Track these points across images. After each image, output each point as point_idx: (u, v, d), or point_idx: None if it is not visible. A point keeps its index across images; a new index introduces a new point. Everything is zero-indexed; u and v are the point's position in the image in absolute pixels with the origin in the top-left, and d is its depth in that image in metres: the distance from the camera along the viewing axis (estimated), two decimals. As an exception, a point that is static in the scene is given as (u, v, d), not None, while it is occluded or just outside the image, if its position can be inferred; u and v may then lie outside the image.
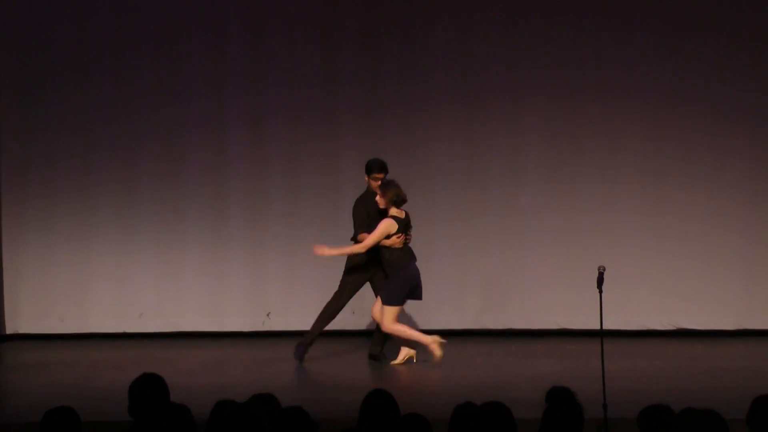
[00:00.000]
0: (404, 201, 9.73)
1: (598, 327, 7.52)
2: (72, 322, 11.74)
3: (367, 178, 9.95)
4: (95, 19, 11.77)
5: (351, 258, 9.93)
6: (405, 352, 9.82)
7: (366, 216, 9.84)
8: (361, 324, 11.31)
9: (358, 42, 11.65)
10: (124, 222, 11.78)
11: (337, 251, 9.78)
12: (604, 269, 7.57)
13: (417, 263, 9.73)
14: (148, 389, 5.00)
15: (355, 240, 9.84)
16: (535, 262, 11.48)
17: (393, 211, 9.70)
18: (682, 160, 11.42)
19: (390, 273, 9.67)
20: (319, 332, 10.01)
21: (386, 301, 9.63)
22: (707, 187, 11.39)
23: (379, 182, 9.79)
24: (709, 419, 4.52)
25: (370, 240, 9.63)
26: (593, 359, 8.12)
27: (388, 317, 9.63)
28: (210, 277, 11.73)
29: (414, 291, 9.72)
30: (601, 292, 7.46)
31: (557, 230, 11.48)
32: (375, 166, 9.91)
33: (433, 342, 9.67)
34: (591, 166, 11.49)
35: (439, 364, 9.57)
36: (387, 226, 9.64)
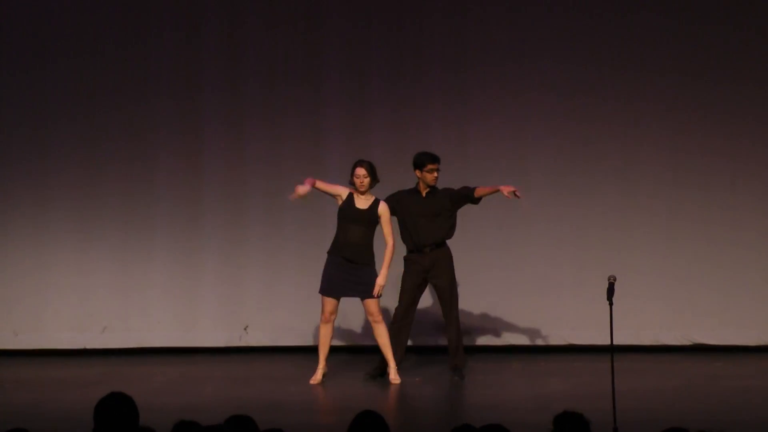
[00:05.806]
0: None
1: (608, 342, 7.57)
2: (27, 336, 11.73)
3: (419, 173, 10.00)
4: (55, 10, 11.76)
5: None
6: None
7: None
8: (346, 338, 11.41)
9: (345, 34, 11.66)
10: (86, 227, 11.75)
11: (384, 270, 9.77)
12: (615, 279, 7.61)
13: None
14: (117, 410, 4.89)
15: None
16: (538, 272, 11.49)
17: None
18: (701, 157, 11.45)
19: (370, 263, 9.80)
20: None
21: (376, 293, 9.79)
22: (727, 186, 11.43)
23: (436, 173, 9.96)
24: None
25: (392, 235, 9.85)
26: (602, 377, 8.15)
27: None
28: (181, 286, 11.73)
29: None
30: (611, 304, 7.49)
31: (562, 237, 11.50)
32: (427, 158, 9.99)
33: (322, 371, 9.85)
34: (599, 168, 11.51)
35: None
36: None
